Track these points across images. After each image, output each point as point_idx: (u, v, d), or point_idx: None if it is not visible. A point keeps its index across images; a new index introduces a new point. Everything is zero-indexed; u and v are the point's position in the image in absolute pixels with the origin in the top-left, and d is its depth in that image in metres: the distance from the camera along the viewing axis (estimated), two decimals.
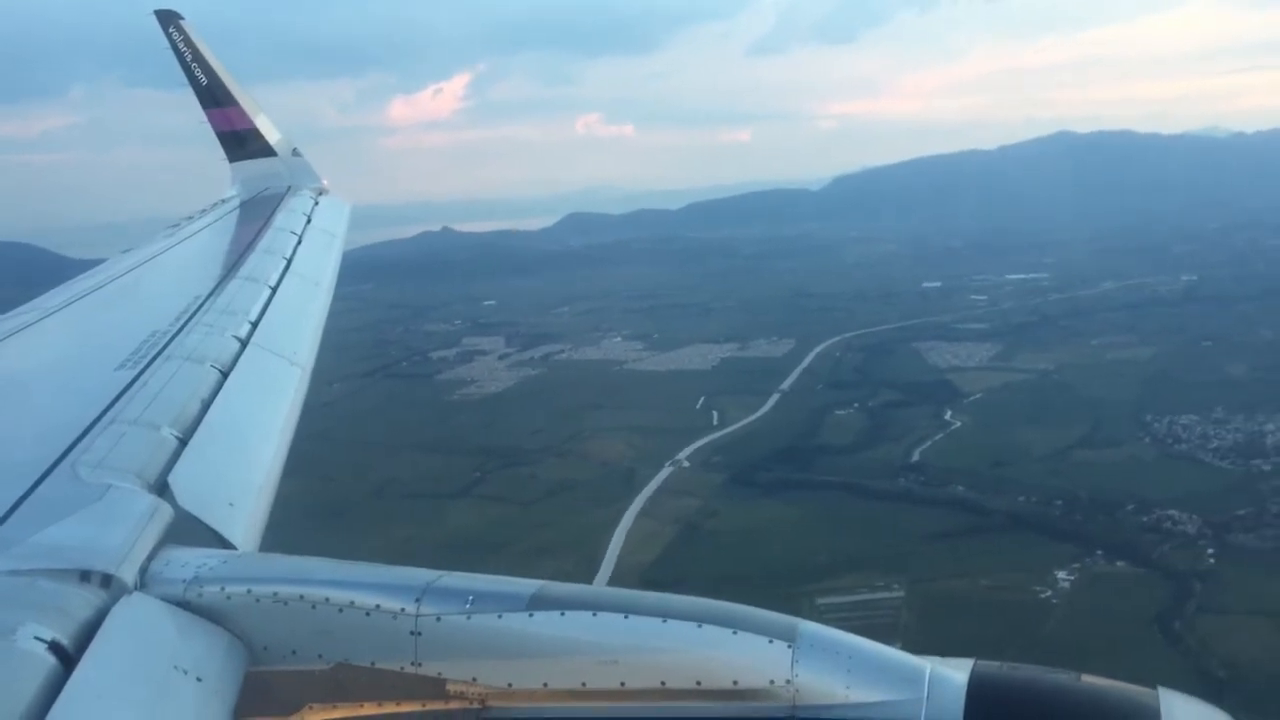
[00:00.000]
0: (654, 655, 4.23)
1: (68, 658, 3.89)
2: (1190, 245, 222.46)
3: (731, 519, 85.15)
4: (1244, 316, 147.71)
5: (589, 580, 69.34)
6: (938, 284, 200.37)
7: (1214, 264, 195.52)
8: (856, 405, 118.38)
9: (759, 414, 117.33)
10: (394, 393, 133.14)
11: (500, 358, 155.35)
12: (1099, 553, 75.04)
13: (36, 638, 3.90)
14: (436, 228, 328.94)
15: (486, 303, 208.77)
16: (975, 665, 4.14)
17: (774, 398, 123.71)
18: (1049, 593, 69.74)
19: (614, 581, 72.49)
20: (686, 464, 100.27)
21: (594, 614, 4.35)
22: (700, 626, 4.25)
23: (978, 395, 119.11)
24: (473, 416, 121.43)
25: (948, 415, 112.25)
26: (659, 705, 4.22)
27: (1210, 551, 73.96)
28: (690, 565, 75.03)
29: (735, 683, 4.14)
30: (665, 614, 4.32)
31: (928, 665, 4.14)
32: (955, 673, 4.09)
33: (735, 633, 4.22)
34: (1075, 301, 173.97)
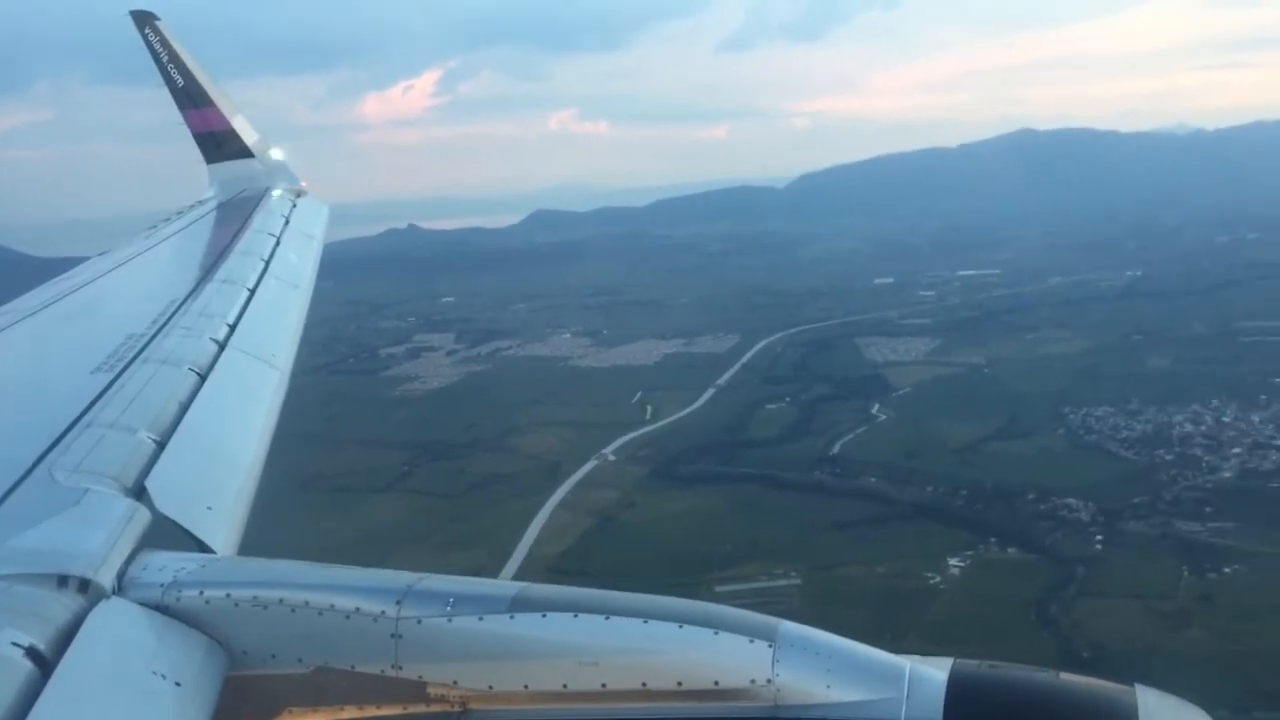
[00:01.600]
0: (635, 656, 4.26)
1: (45, 663, 3.86)
2: (1142, 241, 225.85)
3: (646, 510, 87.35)
4: (1180, 311, 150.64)
5: (495, 572, 71.68)
6: (890, 280, 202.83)
7: (1161, 260, 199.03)
8: (788, 399, 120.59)
9: (692, 409, 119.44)
10: (336, 389, 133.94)
11: (448, 354, 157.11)
12: (993, 540, 77.56)
13: (13, 643, 3.88)
14: (402, 225, 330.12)
15: (444, 300, 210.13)
16: (955, 664, 4.18)
17: (709, 392, 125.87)
18: (938, 579, 72.09)
19: (520, 573, 74.55)
20: (613, 458, 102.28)
21: (575, 616, 4.37)
22: (681, 627, 4.28)
23: (907, 389, 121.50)
24: (411, 412, 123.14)
25: (874, 409, 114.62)
26: (640, 706, 4.25)
27: (1099, 538, 76.50)
28: (598, 556, 77.21)
29: (716, 683, 4.17)
30: (646, 615, 4.35)
31: (907, 664, 4.18)
32: (935, 671, 4.14)
33: (716, 633, 4.25)
34: (1019, 297, 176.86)
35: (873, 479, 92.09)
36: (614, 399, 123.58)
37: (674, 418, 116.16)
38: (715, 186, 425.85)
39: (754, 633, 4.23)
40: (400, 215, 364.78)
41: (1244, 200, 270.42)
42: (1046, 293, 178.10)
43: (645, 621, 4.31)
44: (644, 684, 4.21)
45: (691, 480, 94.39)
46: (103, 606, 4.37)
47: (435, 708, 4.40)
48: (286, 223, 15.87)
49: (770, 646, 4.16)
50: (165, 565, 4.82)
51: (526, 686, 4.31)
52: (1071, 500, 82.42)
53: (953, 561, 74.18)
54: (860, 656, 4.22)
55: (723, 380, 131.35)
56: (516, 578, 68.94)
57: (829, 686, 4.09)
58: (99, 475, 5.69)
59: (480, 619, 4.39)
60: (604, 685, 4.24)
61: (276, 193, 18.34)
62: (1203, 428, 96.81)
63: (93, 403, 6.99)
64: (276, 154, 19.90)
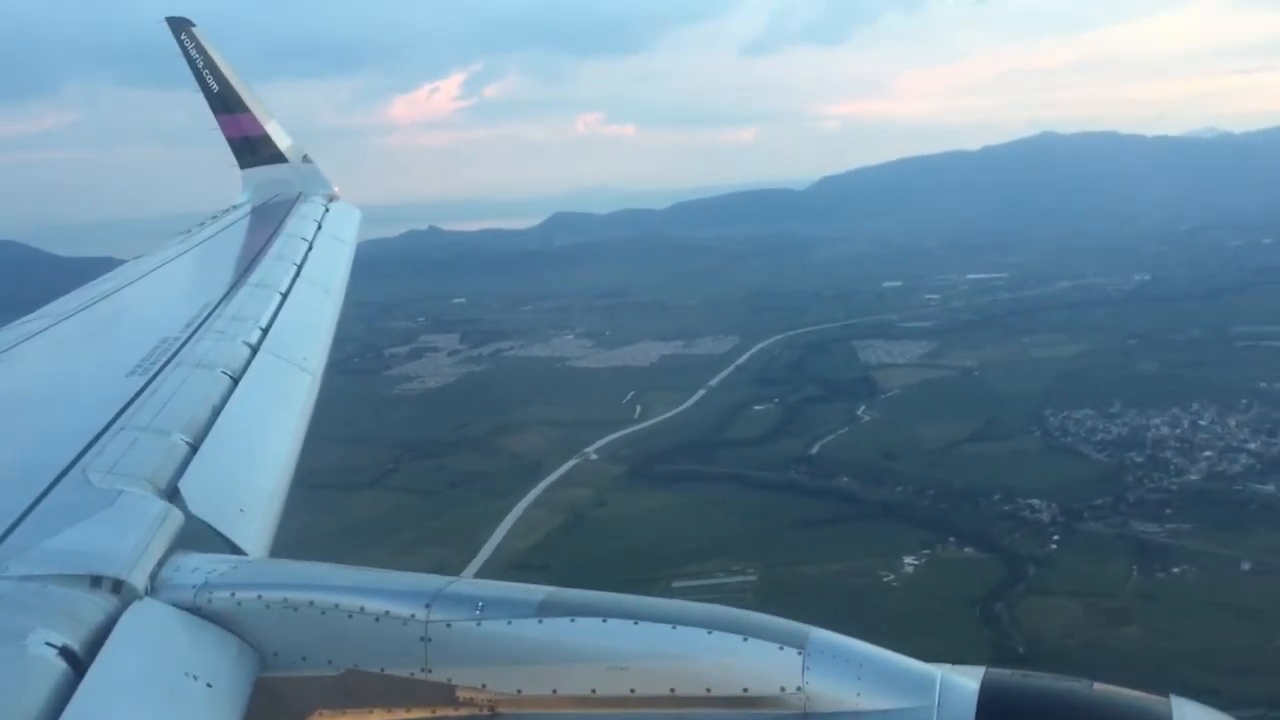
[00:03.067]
0: (664, 662, 4.22)
1: (78, 663, 3.89)
2: (1157, 245, 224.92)
3: (618, 508, 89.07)
4: (1181, 315, 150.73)
5: (460, 566, 73.71)
6: (898, 283, 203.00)
7: (1172, 264, 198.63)
8: (776, 401, 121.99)
9: (680, 409, 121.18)
10: (336, 388, 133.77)
11: (450, 354, 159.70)
12: (951, 539, 78.71)
13: (47, 643, 3.92)
14: (423, 227, 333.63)
15: (455, 300, 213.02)
16: (986, 673, 4.14)
17: (700, 393, 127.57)
18: (892, 576, 73.34)
19: (484, 566, 76.59)
20: (594, 457, 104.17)
21: (604, 620, 4.35)
22: (710, 633, 4.24)
23: (895, 392, 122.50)
24: (405, 411, 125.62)
25: (860, 410, 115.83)
26: (669, 712, 4.22)
27: (1055, 538, 77.52)
28: (562, 552, 79.03)
29: (745, 690, 4.13)
30: (675, 620, 4.30)
31: (939, 673, 4.13)
32: (966, 680, 4.09)
33: (745, 639, 4.20)
34: (1023, 300, 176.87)
35: (845, 479, 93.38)
36: (605, 399, 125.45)
37: (661, 418, 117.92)
38: (734, 190, 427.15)
39: (784, 639, 4.19)
40: (423, 217, 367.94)
41: (1265, 204, 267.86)
42: (1051, 296, 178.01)
43: (674, 627, 4.28)
44: (672, 690, 4.20)
45: (667, 479, 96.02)
46: (136, 607, 4.42)
47: (464, 711, 4.43)
48: (319, 227, 16.01)
49: (800, 653, 4.12)
50: (198, 567, 4.88)
51: (555, 691, 4.32)
52: (1035, 501, 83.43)
53: (908, 560, 75.40)
54: (891, 664, 4.19)
55: (715, 381, 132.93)
56: (479, 574, 70.84)
57: (859, 694, 4.06)
58: (133, 477, 5.76)
59: (509, 623, 4.39)
60: (632, 691, 4.23)
61: (310, 198, 18.47)
62: (1178, 431, 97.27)
63: (127, 405, 7.09)
64: (309, 160, 19.98)
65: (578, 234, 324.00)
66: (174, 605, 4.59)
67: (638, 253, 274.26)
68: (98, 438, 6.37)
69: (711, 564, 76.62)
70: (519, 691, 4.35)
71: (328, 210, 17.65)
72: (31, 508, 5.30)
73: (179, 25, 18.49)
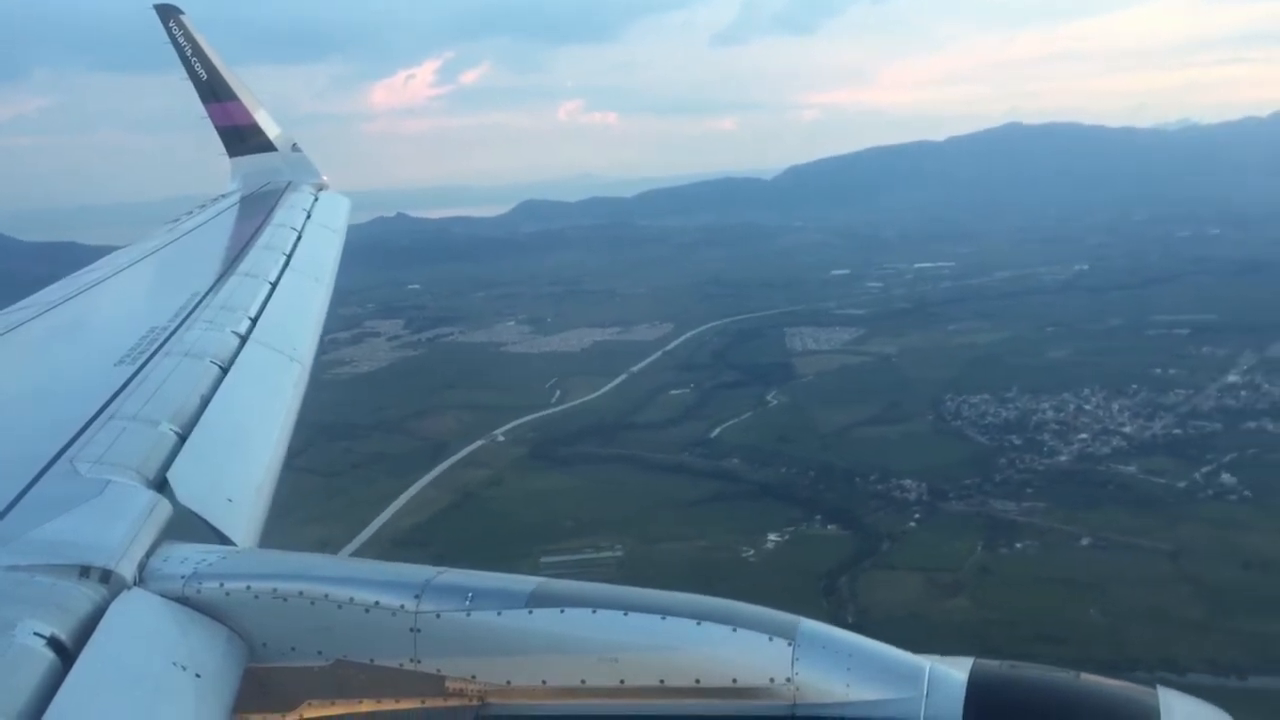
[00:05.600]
0: (653, 653, 4.25)
1: (67, 653, 3.91)
2: (1106, 236, 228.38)
3: (510, 488, 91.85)
4: (1107, 305, 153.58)
5: (341, 545, 76.32)
6: (846, 271, 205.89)
7: (1114, 254, 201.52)
8: (693, 385, 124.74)
9: (598, 393, 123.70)
10: None
11: (390, 339, 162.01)
12: (818, 517, 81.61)
13: (35, 633, 3.93)
14: (391, 214, 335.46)
15: (410, 287, 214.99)
16: (975, 664, 4.16)
17: (621, 378, 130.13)
18: (751, 552, 76.12)
19: (364, 545, 79.28)
20: (501, 438, 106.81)
21: (593, 611, 4.36)
22: (700, 624, 4.26)
23: (810, 377, 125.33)
24: (330, 395, 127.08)
25: (770, 396, 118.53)
26: (658, 703, 4.24)
27: (917, 516, 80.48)
28: (445, 529, 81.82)
29: (735, 681, 4.15)
30: (664, 611, 4.33)
31: (927, 663, 4.16)
32: (955, 671, 4.12)
33: (735, 630, 4.22)
34: (961, 289, 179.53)
35: (736, 460, 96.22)
36: (528, 384, 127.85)
37: (577, 402, 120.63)
38: (703, 178, 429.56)
39: (773, 630, 4.23)
40: (396, 204, 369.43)
41: (1221, 195, 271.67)
42: (988, 286, 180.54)
43: (664, 618, 4.30)
44: (662, 681, 4.21)
45: (565, 460, 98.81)
46: (124, 597, 4.42)
47: (453, 702, 4.43)
48: (308, 216, 15.90)
49: (790, 644, 4.16)
50: (186, 557, 4.86)
51: (544, 682, 4.33)
52: (908, 481, 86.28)
53: (772, 536, 78.19)
54: (880, 655, 4.21)
55: (638, 367, 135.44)
56: (358, 552, 73.83)
57: (848, 685, 4.09)
58: (121, 467, 5.73)
59: (499, 614, 4.41)
60: (622, 681, 4.25)
61: (299, 187, 18.33)
62: (1062, 415, 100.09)
63: (115, 395, 7.05)
64: (298, 148, 19.89)
65: (545, 221, 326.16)
66: (162, 595, 4.61)
67: (601, 240, 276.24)
68: (86, 427, 6.35)
69: (583, 541, 79.35)
70: (508, 682, 4.38)
71: (317, 199, 17.58)
72: (19, 497, 5.29)
73: (167, 13, 18.32)
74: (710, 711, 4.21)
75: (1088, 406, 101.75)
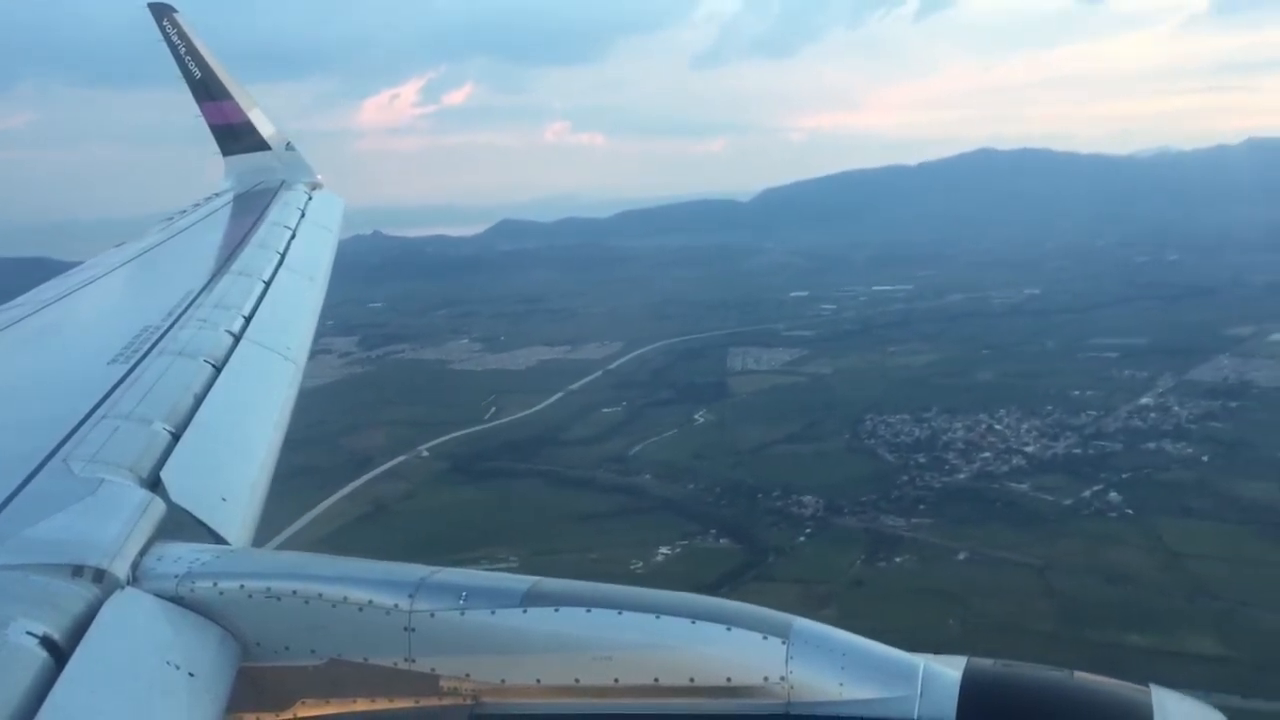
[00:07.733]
0: (647, 652, 4.24)
1: (60, 653, 3.89)
2: (1065, 260, 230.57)
3: (422, 501, 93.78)
4: (1048, 328, 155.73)
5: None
6: (804, 293, 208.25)
7: (1069, 278, 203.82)
8: (625, 404, 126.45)
9: (532, 410, 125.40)
10: None
11: (340, 356, 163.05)
12: (713, 531, 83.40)
13: (28, 632, 3.91)
14: (368, 232, 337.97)
15: (372, 305, 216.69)
16: (968, 662, 4.18)
17: (557, 395, 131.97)
18: (640, 564, 77.66)
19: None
20: (426, 453, 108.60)
21: (588, 610, 4.37)
22: (694, 623, 4.27)
23: (741, 397, 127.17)
24: None
25: (699, 414, 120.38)
26: (652, 702, 4.25)
27: (808, 530, 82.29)
28: (349, 540, 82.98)
29: (729, 679, 4.16)
30: (659, 610, 4.35)
31: (921, 662, 4.17)
32: (948, 670, 4.14)
33: (729, 629, 4.23)
34: (911, 312, 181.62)
35: (647, 476, 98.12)
36: (466, 400, 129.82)
37: (510, 418, 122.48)
38: (682, 200, 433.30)
39: (767, 629, 4.23)
40: (376, 222, 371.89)
41: (1185, 221, 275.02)
42: (938, 309, 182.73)
43: (658, 617, 4.31)
44: (656, 679, 4.21)
45: (482, 475, 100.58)
46: (117, 597, 4.40)
47: (447, 701, 4.44)
48: (302, 215, 15.92)
49: (784, 643, 4.16)
50: (180, 556, 4.85)
51: (539, 681, 4.33)
52: (807, 497, 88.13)
53: (663, 550, 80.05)
54: (874, 654, 4.22)
55: (577, 385, 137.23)
56: None
57: (842, 684, 4.09)
58: (114, 466, 5.71)
59: (493, 613, 4.41)
60: (616, 680, 4.24)
61: (293, 186, 18.28)
62: (972, 434, 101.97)
63: (108, 394, 7.04)
64: (292, 148, 19.86)
65: (520, 241, 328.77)
66: (156, 595, 4.60)
67: (573, 261, 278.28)
68: (79, 426, 6.33)
69: (481, 552, 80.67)
70: (503, 681, 4.38)
71: (311, 198, 17.60)
72: (12, 496, 5.25)
73: (161, 11, 18.30)
74: (704, 710, 4.23)
75: (998, 426, 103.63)
